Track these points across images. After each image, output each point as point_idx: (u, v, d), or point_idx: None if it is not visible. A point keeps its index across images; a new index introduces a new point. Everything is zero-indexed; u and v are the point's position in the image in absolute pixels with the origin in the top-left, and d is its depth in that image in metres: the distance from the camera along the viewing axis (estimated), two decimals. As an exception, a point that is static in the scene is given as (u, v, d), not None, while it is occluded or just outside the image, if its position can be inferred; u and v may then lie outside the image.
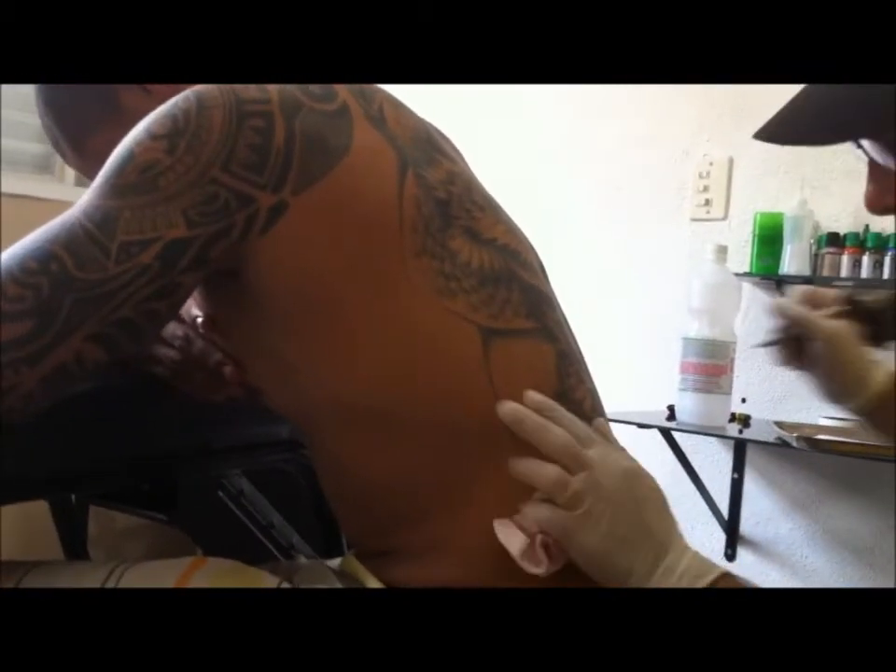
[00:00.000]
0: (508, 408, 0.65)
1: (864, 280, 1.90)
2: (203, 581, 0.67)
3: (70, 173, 2.18)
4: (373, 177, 0.65)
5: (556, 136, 2.35)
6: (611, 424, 0.75)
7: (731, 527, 2.09)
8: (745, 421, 1.90)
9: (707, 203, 2.17)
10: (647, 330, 2.21)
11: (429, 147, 0.72)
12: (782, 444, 1.74)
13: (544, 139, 2.35)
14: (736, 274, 1.94)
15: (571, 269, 2.08)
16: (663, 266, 2.21)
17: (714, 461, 2.12)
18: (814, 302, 0.79)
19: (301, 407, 0.69)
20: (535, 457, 0.65)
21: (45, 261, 0.59)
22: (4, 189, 1.86)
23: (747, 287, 2.04)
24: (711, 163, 2.16)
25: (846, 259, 1.93)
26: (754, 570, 2.06)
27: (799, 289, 0.80)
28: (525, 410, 0.65)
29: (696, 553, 0.64)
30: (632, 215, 2.26)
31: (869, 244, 1.91)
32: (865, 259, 1.91)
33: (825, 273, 1.94)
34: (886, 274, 1.89)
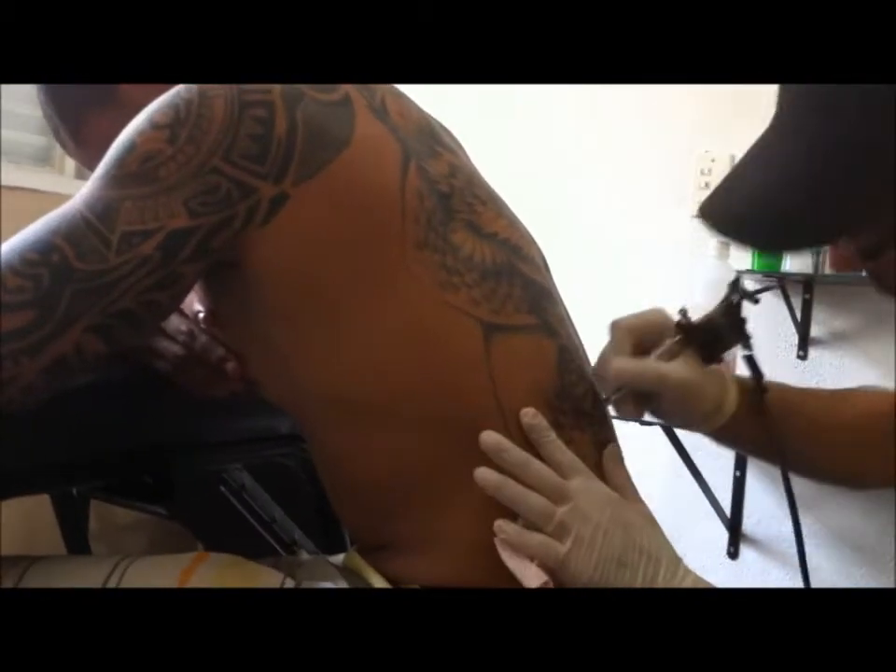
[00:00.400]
0: (491, 439, 0.64)
1: (865, 278, 1.89)
2: (205, 575, 0.67)
3: (70, 165, 2.17)
4: (375, 168, 0.65)
5: (559, 133, 2.34)
6: (613, 422, 0.75)
7: (733, 525, 2.08)
8: (747, 419, 1.89)
9: (710, 199, 2.17)
10: (649, 327, 2.20)
11: (432, 140, 0.72)
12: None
13: (546, 136, 2.35)
14: (738, 272, 1.93)
15: (573, 264, 2.07)
16: (664, 262, 2.20)
17: (716, 459, 2.11)
18: (644, 343, 0.74)
19: (298, 399, 0.69)
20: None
21: (45, 252, 0.59)
22: (4, 182, 1.85)
23: (748, 284, 2.03)
24: (713, 160, 2.15)
25: (847, 257, 1.92)
26: (756, 568, 2.06)
27: (622, 338, 0.75)
28: (507, 442, 0.64)
29: (695, 573, 0.64)
30: (634, 211, 2.25)
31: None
32: (866, 257, 1.90)
33: (826, 270, 1.94)
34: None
